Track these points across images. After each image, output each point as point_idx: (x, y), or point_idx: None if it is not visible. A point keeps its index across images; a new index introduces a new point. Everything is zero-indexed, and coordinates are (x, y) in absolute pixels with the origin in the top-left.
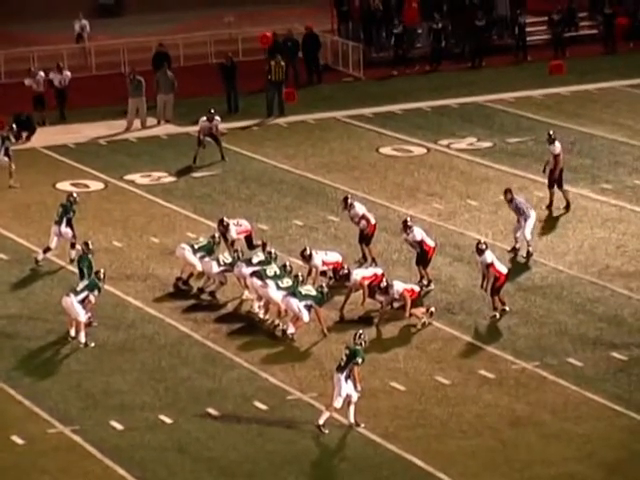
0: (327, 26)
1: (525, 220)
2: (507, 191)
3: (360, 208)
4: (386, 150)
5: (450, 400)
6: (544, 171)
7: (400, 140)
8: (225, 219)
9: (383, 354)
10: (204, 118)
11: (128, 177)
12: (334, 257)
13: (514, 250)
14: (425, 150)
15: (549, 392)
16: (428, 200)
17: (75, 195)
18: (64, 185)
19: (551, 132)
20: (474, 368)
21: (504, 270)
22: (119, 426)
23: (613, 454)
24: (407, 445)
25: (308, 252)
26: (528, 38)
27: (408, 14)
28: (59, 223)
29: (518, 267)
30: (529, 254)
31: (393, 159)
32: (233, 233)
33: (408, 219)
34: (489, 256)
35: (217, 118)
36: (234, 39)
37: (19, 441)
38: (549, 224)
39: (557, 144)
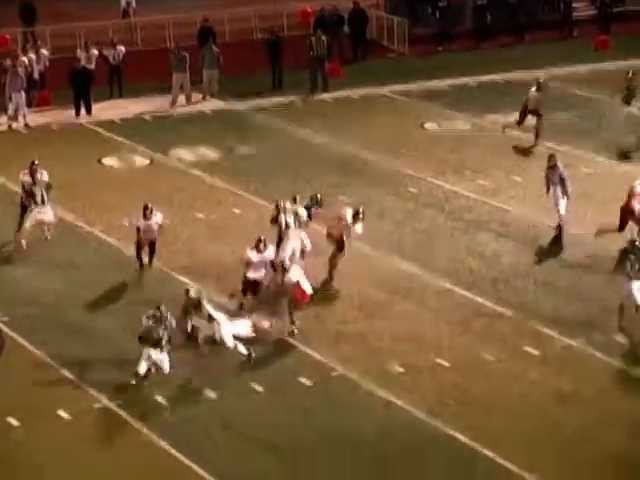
0: (372, 0)
1: (565, 194)
2: (551, 156)
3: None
4: (431, 126)
5: (494, 377)
6: None
7: (446, 116)
8: None
9: (427, 330)
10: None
11: (173, 153)
12: None
13: (559, 227)
14: (470, 126)
15: (595, 369)
16: (473, 176)
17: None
18: (110, 161)
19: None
20: (519, 345)
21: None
22: (164, 401)
23: None
24: (451, 422)
25: (361, 216)
26: (574, 14)
27: None
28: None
29: (564, 243)
30: (560, 228)
31: (438, 135)
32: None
33: (285, 260)
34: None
35: None
36: (279, 14)
37: (65, 416)
38: (595, 199)
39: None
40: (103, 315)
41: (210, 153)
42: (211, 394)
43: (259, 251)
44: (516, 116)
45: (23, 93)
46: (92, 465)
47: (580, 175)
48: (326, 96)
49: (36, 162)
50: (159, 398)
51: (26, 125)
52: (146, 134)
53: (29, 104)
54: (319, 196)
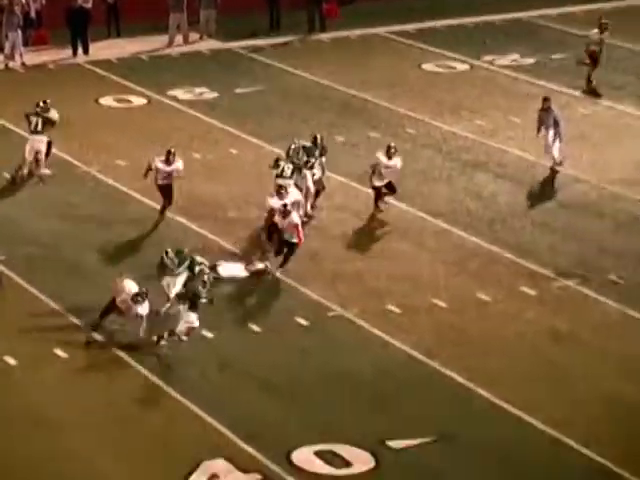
0: None
1: (558, 135)
2: (546, 99)
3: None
4: (429, 66)
5: (491, 318)
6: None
7: (443, 56)
8: None
9: (424, 270)
10: None
11: (171, 93)
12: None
13: (558, 165)
14: (468, 66)
15: (590, 309)
16: (471, 117)
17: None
18: (107, 100)
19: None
20: (515, 285)
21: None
22: (161, 340)
23: None
24: (448, 362)
25: (393, 150)
26: None
27: None
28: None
29: (560, 184)
30: (553, 170)
31: (436, 75)
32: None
33: (288, 203)
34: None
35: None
36: None
37: (62, 355)
38: (592, 141)
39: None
40: (100, 255)
41: (207, 93)
42: (208, 334)
43: (281, 198)
44: (511, 57)
45: (20, 32)
46: (88, 404)
47: (577, 116)
48: (323, 37)
49: (48, 101)
50: (156, 337)
51: (23, 64)
52: (143, 74)
53: (26, 43)
54: (319, 136)
